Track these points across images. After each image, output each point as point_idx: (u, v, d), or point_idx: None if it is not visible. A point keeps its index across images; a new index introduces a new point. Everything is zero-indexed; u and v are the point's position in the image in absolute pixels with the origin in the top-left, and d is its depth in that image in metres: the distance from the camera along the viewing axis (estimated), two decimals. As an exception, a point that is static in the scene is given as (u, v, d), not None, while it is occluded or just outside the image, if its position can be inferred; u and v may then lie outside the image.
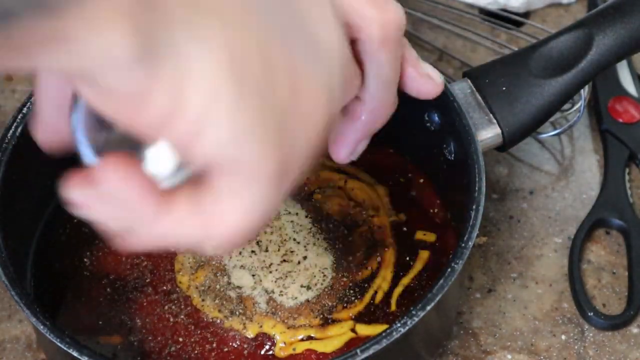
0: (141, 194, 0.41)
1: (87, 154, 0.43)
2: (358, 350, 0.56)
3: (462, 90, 0.67)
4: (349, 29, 0.52)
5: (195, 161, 0.41)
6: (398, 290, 0.65)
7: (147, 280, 0.66)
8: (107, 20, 0.35)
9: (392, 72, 0.54)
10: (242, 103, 0.39)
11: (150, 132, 0.40)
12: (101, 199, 0.42)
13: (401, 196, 0.70)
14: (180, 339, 0.64)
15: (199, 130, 0.39)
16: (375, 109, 0.55)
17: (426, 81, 0.58)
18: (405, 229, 0.69)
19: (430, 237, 0.68)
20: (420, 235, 0.68)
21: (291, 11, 0.42)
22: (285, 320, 0.63)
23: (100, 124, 0.43)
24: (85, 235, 0.68)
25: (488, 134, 0.66)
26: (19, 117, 0.65)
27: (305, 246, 0.66)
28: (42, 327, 0.57)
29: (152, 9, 0.36)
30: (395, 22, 0.53)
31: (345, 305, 0.65)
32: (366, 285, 0.66)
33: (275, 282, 0.65)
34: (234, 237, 0.42)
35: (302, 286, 0.65)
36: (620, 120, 0.77)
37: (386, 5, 0.53)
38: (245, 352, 0.63)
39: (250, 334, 0.63)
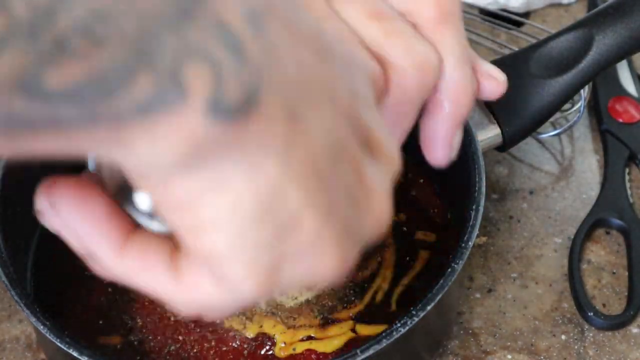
0: (96, 228, 0.39)
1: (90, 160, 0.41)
2: (358, 350, 0.56)
3: (462, 90, 0.67)
4: (405, 15, 0.49)
5: (180, 239, 0.39)
6: (398, 290, 0.65)
7: (147, 280, 0.66)
8: (166, 141, 0.34)
9: (461, 50, 0.51)
10: (251, 234, 0.37)
11: (154, 202, 0.38)
12: (60, 219, 0.40)
13: (401, 196, 0.70)
14: (180, 338, 0.64)
15: (199, 228, 0.37)
16: (456, 94, 0.51)
17: (489, 82, 0.54)
18: (405, 229, 0.69)
19: (430, 237, 0.68)
20: (420, 235, 0.68)
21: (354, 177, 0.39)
22: (285, 320, 0.63)
23: None
24: (85, 235, 0.68)
25: (488, 134, 0.66)
26: (19, 117, 0.65)
27: (305, 246, 0.66)
28: (42, 327, 0.57)
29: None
30: None
31: (345, 305, 0.65)
32: (366, 285, 0.66)
33: (275, 282, 0.64)
34: (200, 310, 0.40)
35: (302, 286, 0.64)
36: (620, 120, 0.77)
37: None
38: (245, 352, 0.63)
39: (250, 334, 0.63)
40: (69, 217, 0.40)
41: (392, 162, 0.42)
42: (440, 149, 0.53)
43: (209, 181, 0.36)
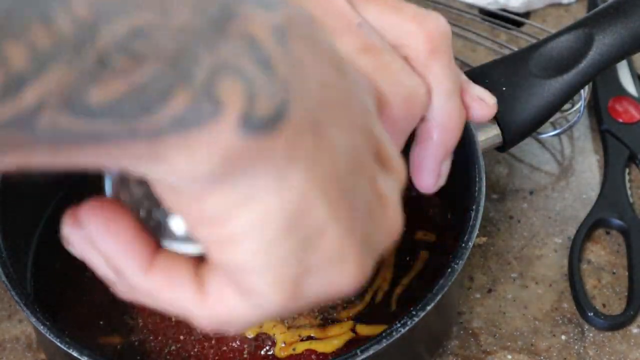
0: (124, 246, 0.40)
1: (107, 186, 0.41)
2: (358, 351, 0.56)
3: (462, 90, 0.67)
4: (397, 48, 0.51)
5: (206, 253, 0.40)
6: (398, 290, 0.65)
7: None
8: (202, 154, 0.35)
9: (450, 82, 0.53)
10: (278, 247, 0.38)
11: (185, 218, 0.39)
12: (87, 241, 0.40)
13: (401, 196, 0.70)
14: (181, 337, 0.64)
15: (227, 242, 0.38)
16: (444, 124, 0.53)
17: (479, 105, 0.56)
18: (405, 229, 0.68)
19: (430, 237, 0.68)
20: (420, 235, 0.68)
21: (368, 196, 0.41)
22: (285, 320, 0.63)
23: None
24: (85, 235, 0.68)
25: (488, 134, 0.66)
26: (19, 117, 0.65)
27: (305, 246, 0.66)
28: (42, 327, 0.57)
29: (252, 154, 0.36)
30: (439, 31, 0.52)
31: (345, 305, 0.65)
32: (366, 285, 0.66)
33: (275, 282, 0.64)
34: (223, 325, 0.41)
35: (302, 286, 0.64)
36: (620, 120, 0.77)
37: (426, 17, 0.52)
38: (245, 352, 0.63)
39: (250, 334, 0.63)
40: (97, 237, 0.40)
41: (400, 174, 0.43)
42: (428, 177, 0.55)
43: (239, 195, 0.36)
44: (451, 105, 0.53)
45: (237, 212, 0.37)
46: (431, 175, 0.55)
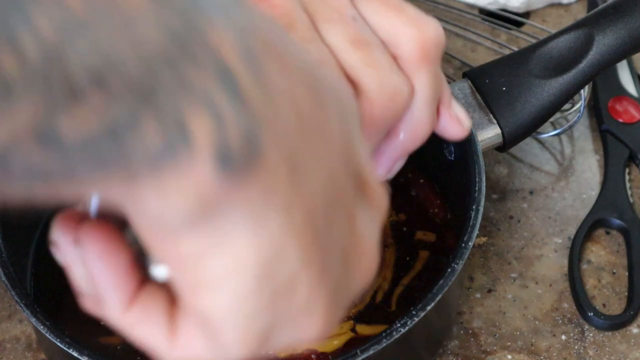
0: (113, 279, 0.38)
1: (94, 205, 0.40)
2: (358, 351, 0.56)
3: (462, 90, 0.67)
4: (388, 46, 0.51)
5: (179, 294, 0.37)
6: (398, 290, 0.65)
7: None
8: (177, 194, 0.32)
9: (432, 91, 0.52)
10: (249, 299, 0.35)
11: (159, 257, 0.37)
12: (78, 256, 0.39)
13: (401, 196, 0.70)
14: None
15: (199, 287, 0.36)
16: (414, 128, 0.53)
17: (455, 124, 0.56)
18: (405, 229, 0.69)
19: (430, 237, 0.68)
20: (420, 235, 0.68)
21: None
22: (285, 320, 0.63)
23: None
24: (85, 235, 0.68)
25: (488, 134, 0.66)
26: (19, 117, 0.65)
27: (305, 246, 0.66)
28: (42, 327, 0.57)
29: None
30: (434, 41, 0.51)
31: (345, 305, 0.65)
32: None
33: (275, 282, 0.64)
34: None
35: (302, 286, 0.64)
36: (620, 120, 0.77)
37: (425, 22, 0.52)
38: (245, 352, 0.63)
39: (250, 334, 0.63)
40: (92, 260, 0.38)
41: (381, 205, 0.40)
42: (380, 168, 0.54)
43: (213, 239, 0.34)
44: (426, 113, 0.53)
45: (210, 257, 0.34)
46: (385, 168, 0.55)
